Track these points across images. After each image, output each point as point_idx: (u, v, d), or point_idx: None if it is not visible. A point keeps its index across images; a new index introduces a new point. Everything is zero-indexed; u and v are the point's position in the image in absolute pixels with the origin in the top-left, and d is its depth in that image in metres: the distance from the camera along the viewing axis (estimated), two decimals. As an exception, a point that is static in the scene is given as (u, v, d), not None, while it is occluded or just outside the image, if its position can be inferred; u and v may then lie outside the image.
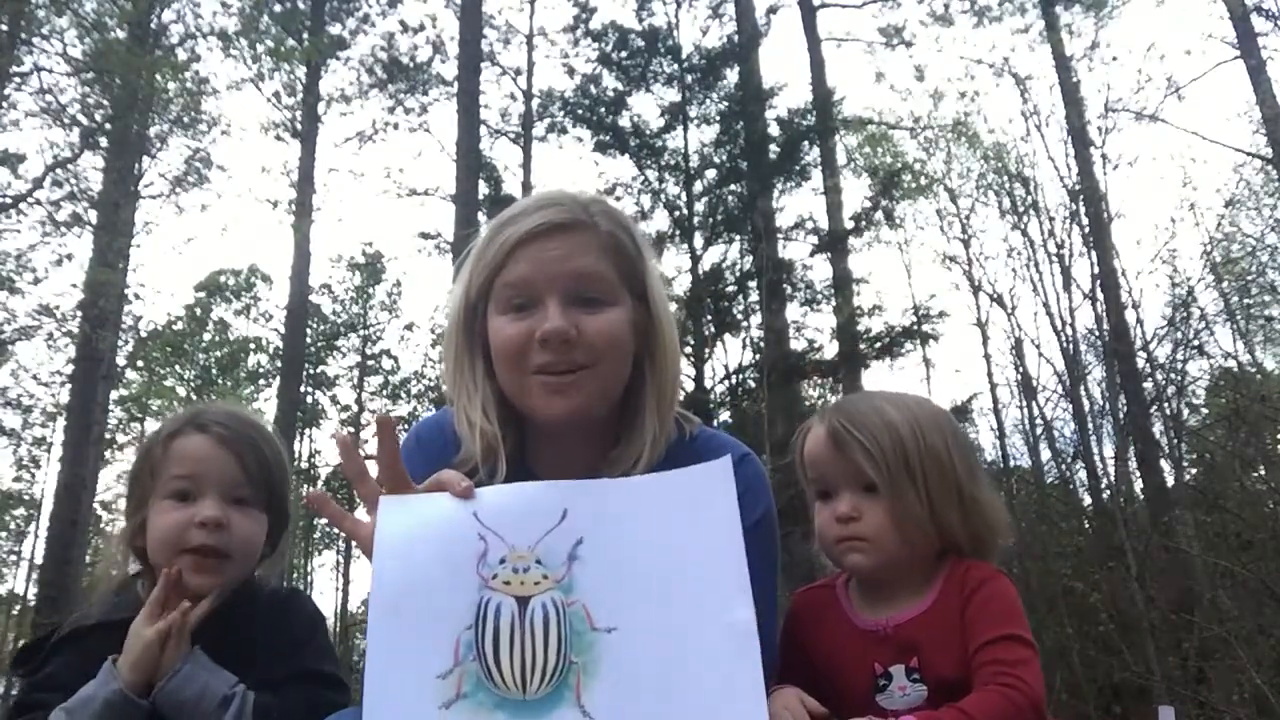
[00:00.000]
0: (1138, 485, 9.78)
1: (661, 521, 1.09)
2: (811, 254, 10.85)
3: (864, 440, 1.42)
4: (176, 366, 25.64)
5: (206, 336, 26.49)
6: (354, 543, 1.17)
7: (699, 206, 10.37)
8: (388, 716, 0.98)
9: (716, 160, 10.63)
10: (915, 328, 10.00)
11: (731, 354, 10.07)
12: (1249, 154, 13.83)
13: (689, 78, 10.87)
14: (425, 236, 15.95)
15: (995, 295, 12.08)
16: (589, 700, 0.99)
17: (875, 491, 1.42)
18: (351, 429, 25.48)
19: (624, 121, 10.82)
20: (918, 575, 1.46)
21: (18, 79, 12.94)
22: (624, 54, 11.06)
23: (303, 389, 20.75)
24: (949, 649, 1.38)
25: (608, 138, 10.72)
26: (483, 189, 12.44)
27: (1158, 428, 9.87)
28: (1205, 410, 10.93)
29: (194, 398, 25.14)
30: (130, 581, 1.56)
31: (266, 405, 25.04)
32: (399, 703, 0.99)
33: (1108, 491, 9.42)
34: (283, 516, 1.61)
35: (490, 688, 1.00)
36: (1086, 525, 9.50)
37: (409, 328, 25.43)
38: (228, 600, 1.49)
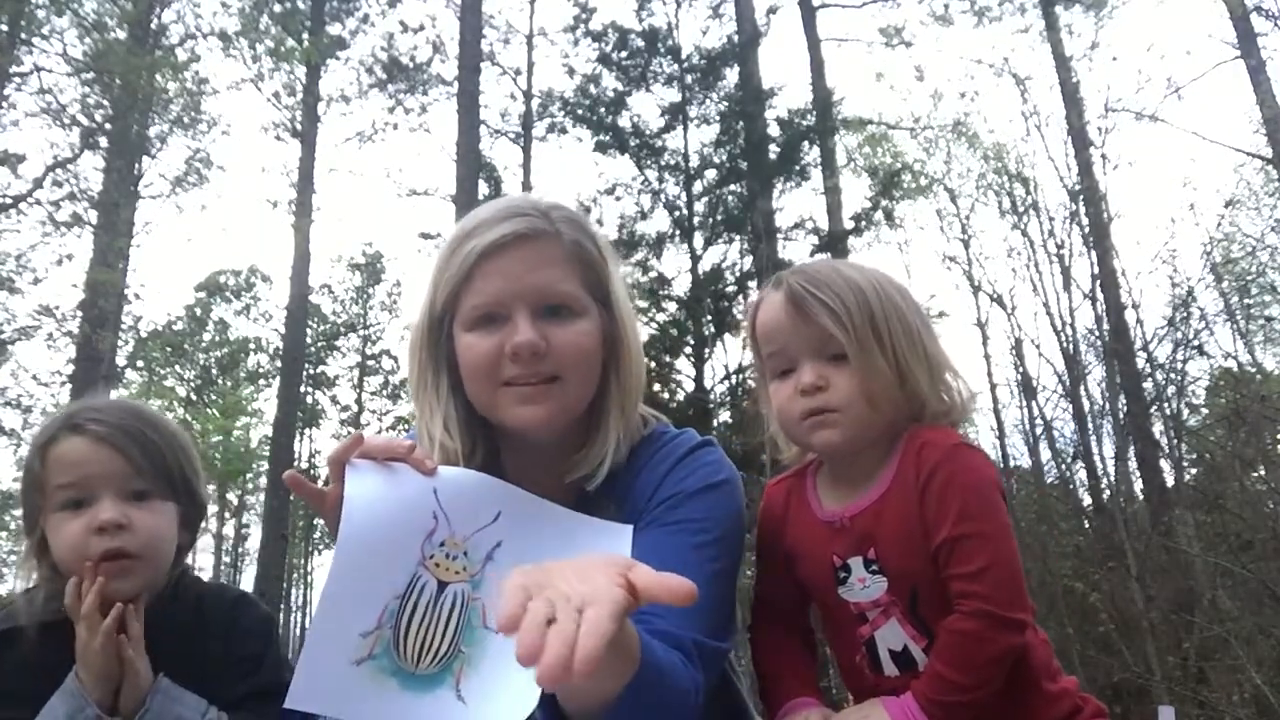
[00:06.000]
0: (1138, 485, 9.79)
1: (564, 552, 1.15)
2: (811, 254, 10.84)
3: (828, 300, 1.31)
4: (176, 366, 25.67)
5: (206, 336, 26.55)
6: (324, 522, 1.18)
7: (699, 206, 10.37)
8: (316, 659, 1.04)
9: (716, 160, 10.62)
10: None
11: (731, 354, 10.07)
12: (1249, 154, 13.84)
13: (689, 78, 10.87)
14: (425, 236, 15.96)
15: (995, 295, 12.08)
16: (466, 688, 1.06)
17: (840, 359, 1.32)
18: (351, 429, 25.49)
19: (624, 121, 10.82)
20: (877, 453, 1.35)
21: (18, 79, 12.95)
22: (624, 54, 11.06)
23: (303, 389, 20.74)
24: (906, 538, 1.29)
25: (608, 138, 10.72)
26: (483, 189, 12.44)
27: (1158, 428, 9.87)
28: (1205, 410, 10.92)
29: (194, 398, 25.16)
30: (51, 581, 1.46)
31: (266, 405, 25.10)
32: (325, 649, 1.04)
33: (1108, 491, 9.42)
34: (195, 502, 1.52)
35: (393, 655, 1.06)
36: (1086, 525, 9.51)
37: (409, 328, 25.47)
38: (168, 606, 1.43)
